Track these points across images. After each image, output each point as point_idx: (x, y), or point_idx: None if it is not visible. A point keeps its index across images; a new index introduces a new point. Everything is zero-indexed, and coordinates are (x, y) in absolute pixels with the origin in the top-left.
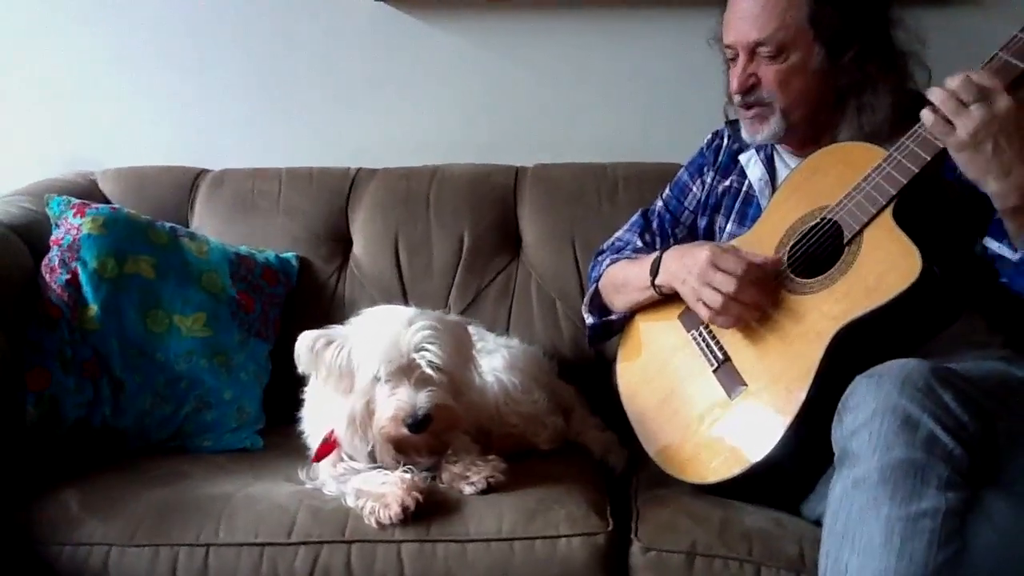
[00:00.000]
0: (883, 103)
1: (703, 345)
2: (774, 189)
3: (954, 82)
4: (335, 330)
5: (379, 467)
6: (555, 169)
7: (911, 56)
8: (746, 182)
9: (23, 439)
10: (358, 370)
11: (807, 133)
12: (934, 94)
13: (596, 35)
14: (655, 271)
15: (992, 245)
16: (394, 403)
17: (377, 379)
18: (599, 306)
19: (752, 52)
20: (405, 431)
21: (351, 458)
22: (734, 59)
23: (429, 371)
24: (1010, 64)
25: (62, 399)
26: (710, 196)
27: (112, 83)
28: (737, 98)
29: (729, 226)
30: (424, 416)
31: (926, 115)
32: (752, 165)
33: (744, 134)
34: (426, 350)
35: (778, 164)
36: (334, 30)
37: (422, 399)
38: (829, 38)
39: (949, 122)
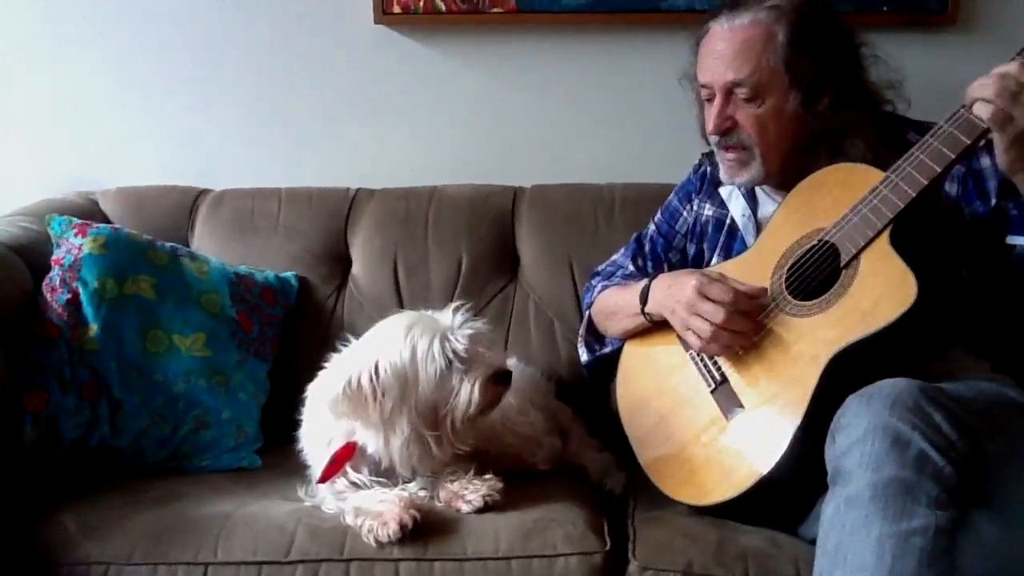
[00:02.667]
0: (859, 147)
1: (701, 366)
2: (757, 222)
3: (992, 77)
4: (348, 365)
5: (380, 483)
6: (552, 190)
7: (892, 88)
8: (728, 214)
9: (21, 460)
10: (419, 372)
11: (786, 176)
12: (983, 89)
13: (594, 57)
14: (644, 299)
15: (1019, 241)
16: (483, 370)
17: (447, 367)
18: (594, 333)
19: (729, 93)
20: (496, 393)
21: (356, 472)
22: (710, 99)
23: (484, 339)
24: None
25: (60, 420)
26: (696, 223)
27: (113, 103)
28: (715, 139)
29: (715, 259)
30: (507, 369)
31: (983, 108)
32: (734, 199)
33: (723, 175)
34: (470, 326)
35: (760, 196)
36: (335, 52)
37: (497, 357)
38: (805, 84)
39: (1007, 115)
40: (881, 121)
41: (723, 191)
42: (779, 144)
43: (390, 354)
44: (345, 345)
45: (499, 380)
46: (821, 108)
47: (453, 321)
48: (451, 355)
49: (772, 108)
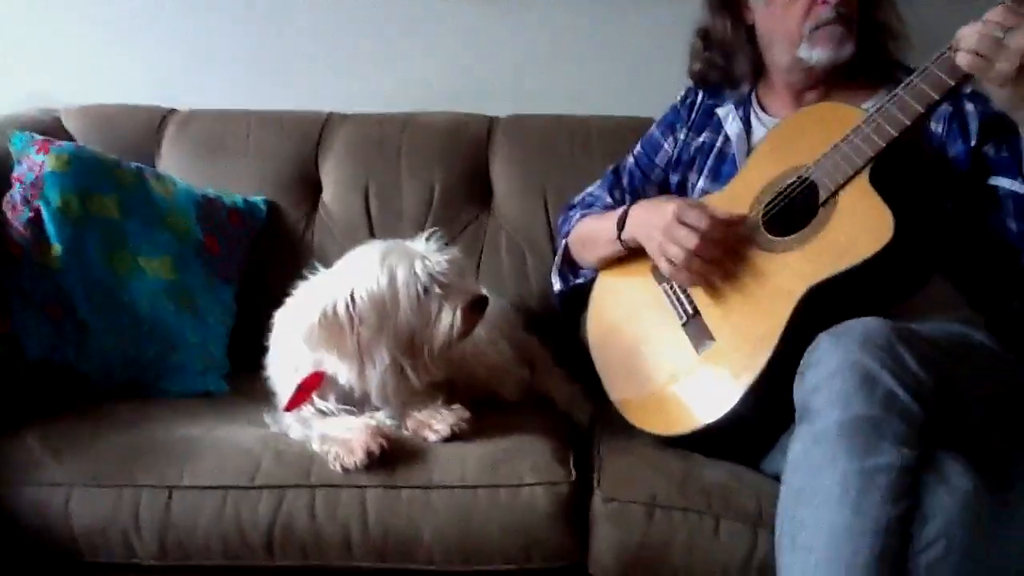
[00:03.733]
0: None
1: (673, 298)
2: (749, 147)
3: (977, 25)
4: (320, 295)
5: (347, 411)
6: (529, 120)
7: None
8: (720, 137)
9: None
10: (399, 299)
11: (834, 78)
12: (965, 40)
13: None
14: (622, 225)
15: (1003, 183)
16: (461, 297)
17: (423, 295)
18: (569, 262)
19: None
20: (474, 320)
21: (323, 400)
22: None
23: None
24: (1017, 4)
25: (24, 338)
26: (683, 153)
27: (77, 19)
28: (831, 13)
29: (702, 182)
30: (484, 295)
31: (964, 57)
32: (731, 120)
33: (827, 47)
34: (445, 252)
35: (754, 123)
36: None
37: (472, 284)
38: None
39: (988, 60)
40: (878, 50)
41: (721, 111)
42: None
43: (366, 281)
44: (314, 273)
45: (476, 307)
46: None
47: (427, 247)
48: (429, 281)
49: None
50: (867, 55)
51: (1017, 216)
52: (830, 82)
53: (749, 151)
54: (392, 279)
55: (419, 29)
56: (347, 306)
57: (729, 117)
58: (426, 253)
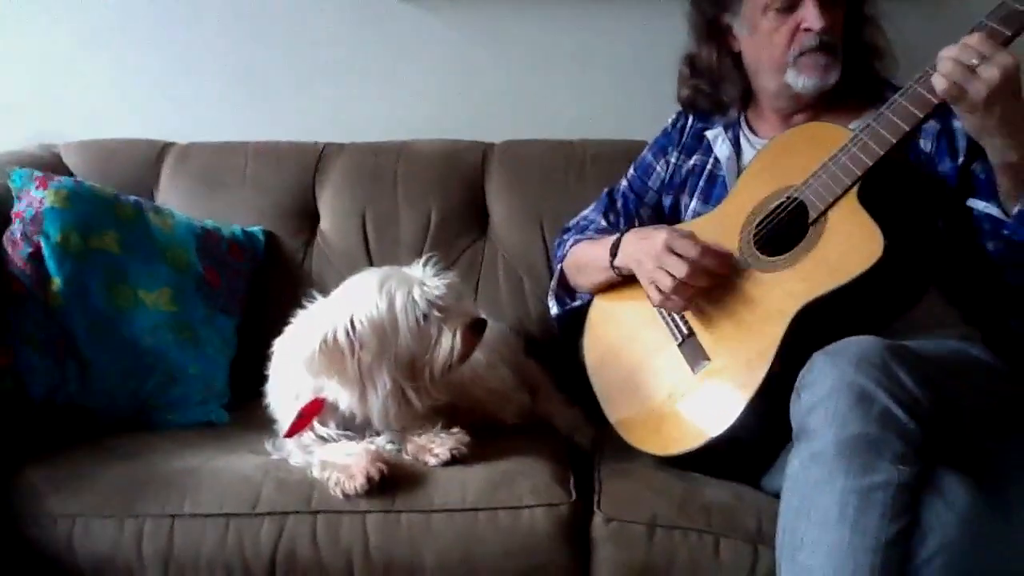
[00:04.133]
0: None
1: (669, 319)
2: (740, 168)
3: (953, 50)
4: (319, 322)
5: (347, 437)
6: (523, 146)
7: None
8: (711, 160)
9: None
10: (398, 324)
11: (821, 100)
12: (941, 65)
13: (566, 13)
14: (614, 252)
15: (978, 206)
16: (461, 320)
17: (423, 319)
18: (565, 287)
19: None
20: (474, 342)
21: (323, 426)
22: (788, 8)
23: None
24: (995, 31)
25: (27, 377)
26: (675, 176)
27: (76, 55)
28: (814, 41)
29: (694, 204)
30: (482, 318)
31: (939, 80)
32: (720, 143)
33: (807, 82)
34: (443, 276)
35: (744, 145)
36: (304, 6)
37: (470, 306)
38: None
39: (960, 86)
40: (867, 70)
41: (710, 134)
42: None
43: (366, 307)
44: (312, 301)
45: (475, 329)
46: (851, 27)
47: (425, 273)
48: (428, 305)
49: (840, 14)
50: (854, 76)
51: (993, 237)
52: (818, 105)
53: (739, 173)
54: (391, 304)
55: (413, 57)
56: (347, 332)
57: (719, 140)
58: (424, 278)
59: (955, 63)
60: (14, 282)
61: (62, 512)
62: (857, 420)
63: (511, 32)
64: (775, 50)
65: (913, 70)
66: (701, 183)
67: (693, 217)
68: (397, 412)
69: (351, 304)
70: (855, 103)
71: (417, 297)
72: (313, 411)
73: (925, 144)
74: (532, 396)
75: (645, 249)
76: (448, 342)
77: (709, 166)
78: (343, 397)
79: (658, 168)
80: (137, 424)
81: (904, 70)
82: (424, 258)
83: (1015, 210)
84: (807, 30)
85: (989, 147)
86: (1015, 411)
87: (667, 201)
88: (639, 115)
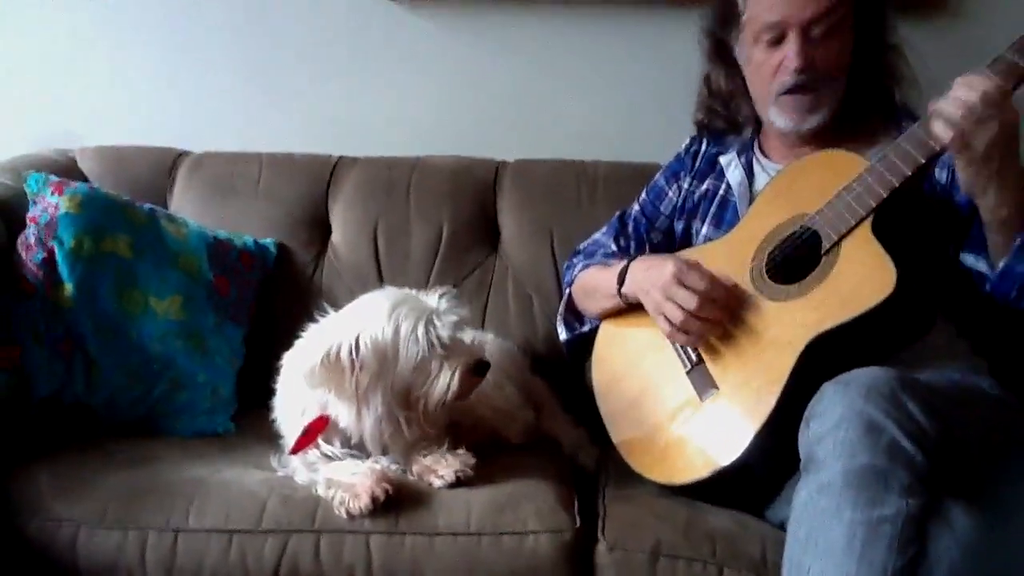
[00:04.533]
0: (865, 108)
1: (677, 346)
2: (752, 194)
3: (965, 96)
4: (328, 336)
5: (352, 455)
6: (536, 165)
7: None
8: (723, 185)
9: None
10: (399, 353)
11: (833, 129)
12: (948, 109)
13: (581, 32)
14: (622, 280)
15: (968, 260)
16: (461, 360)
17: (426, 352)
18: (573, 311)
19: (806, 31)
20: (472, 383)
21: (329, 444)
22: (777, 40)
23: (466, 328)
24: (1017, 66)
25: (33, 375)
26: (687, 201)
27: (94, 60)
28: (786, 81)
29: (705, 229)
30: (486, 359)
31: (941, 129)
32: (732, 168)
33: (787, 123)
34: (454, 310)
35: (757, 171)
36: (320, 16)
37: (477, 348)
38: (863, 28)
39: (966, 138)
40: (886, 97)
41: (723, 159)
42: (839, 87)
43: (373, 329)
44: (323, 316)
45: (477, 371)
46: (865, 56)
47: (439, 305)
48: (434, 340)
49: (839, 47)
50: (871, 102)
51: (981, 287)
52: (826, 135)
53: (752, 198)
54: (397, 331)
55: (428, 72)
56: (351, 350)
57: (731, 165)
58: (437, 310)
59: (965, 111)
60: (26, 285)
61: (66, 516)
62: (866, 451)
63: (527, 50)
64: (761, 84)
65: (932, 96)
66: (713, 208)
67: (704, 242)
68: (390, 435)
69: (360, 323)
70: (871, 130)
71: (422, 330)
72: (318, 428)
73: (940, 174)
74: (537, 414)
75: (652, 279)
76: (445, 380)
77: (721, 191)
78: (342, 414)
79: (670, 193)
80: (142, 429)
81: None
82: (442, 289)
83: (999, 265)
84: (788, 67)
85: (982, 203)
86: (1020, 442)
87: (679, 226)
88: (653, 137)
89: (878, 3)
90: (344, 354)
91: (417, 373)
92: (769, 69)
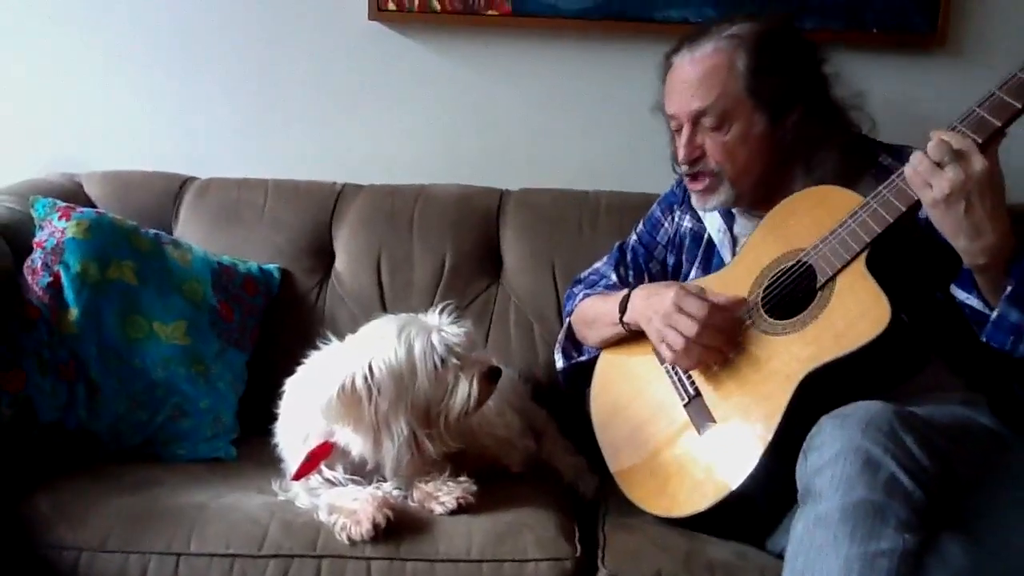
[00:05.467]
0: (831, 158)
1: (675, 379)
2: (733, 237)
3: (931, 144)
4: (335, 369)
5: (354, 481)
6: (538, 194)
7: (854, 108)
8: (707, 231)
9: None
10: (416, 371)
11: (757, 196)
12: (915, 155)
13: (587, 64)
14: (623, 308)
15: (960, 295)
16: (477, 367)
17: (441, 366)
18: (573, 341)
19: (695, 122)
20: (490, 390)
21: (331, 470)
22: (678, 129)
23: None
24: (986, 121)
25: (37, 400)
26: (676, 234)
27: (101, 85)
28: (684, 168)
29: (694, 273)
30: (497, 367)
31: (909, 172)
32: (708, 215)
33: (694, 202)
34: (459, 326)
35: (735, 211)
36: (327, 45)
37: (485, 355)
38: (770, 105)
39: (925, 182)
40: (850, 139)
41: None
42: (749, 167)
43: (384, 353)
44: (326, 343)
45: (491, 377)
46: (789, 126)
47: (441, 320)
48: (446, 352)
49: (739, 133)
50: (831, 148)
51: (975, 323)
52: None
53: (733, 241)
54: (410, 350)
55: (432, 101)
56: (365, 378)
57: (708, 213)
58: (441, 325)
59: (923, 157)
60: (31, 310)
61: (69, 542)
62: (863, 485)
63: (531, 80)
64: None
65: (925, 128)
66: (699, 252)
67: (697, 278)
68: (410, 460)
69: (369, 350)
70: (845, 172)
71: (436, 343)
72: (322, 454)
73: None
74: (538, 442)
75: (654, 306)
76: (465, 389)
77: (706, 236)
78: (356, 443)
79: (666, 224)
80: (145, 455)
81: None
82: (440, 305)
83: (993, 315)
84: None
85: (957, 248)
86: (1017, 477)
87: (671, 260)
88: (654, 168)
89: (779, 73)
90: (360, 383)
91: (436, 388)
92: (676, 153)
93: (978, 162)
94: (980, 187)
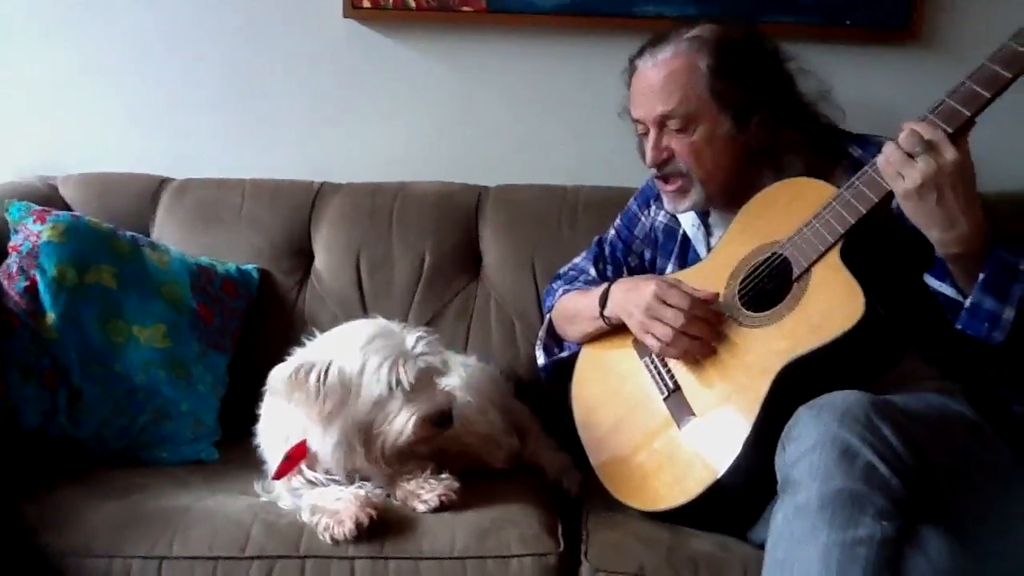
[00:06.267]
0: (800, 157)
1: (655, 373)
2: (708, 233)
3: (902, 135)
4: (309, 355)
5: (336, 481)
6: (517, 191)
7: (822, 100)
8: (682, 226)
9: None
10: (362, 388)
11: (728, 197)
12: (887, 146)
13: (564, 60)
14: (603, 302)
15: (933, 283)
16: (421, 407)
17: (389, 391)
18: (553, 336)
19: (661, 125)
20: (430, 432)
21: (312, 471)
22: (645, 133)
23: (438, 376)
24: (957, 111)
25: (20, 407)
26: (652, 229)
27: (76, 88)
28: (654, 171)
29: (670, 268)
30: (450, 411)
31: (881, 162)
32: (684, 215)
33: (666, 205)
34: (428, 354)
35: (711, 210)
36: (304, 45)
37: (444, 397)
38: (734, 107)
39: (897, 173)
40: (819, 134)
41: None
42: (716, 168)
43: (344, 360)
44: (310, 339)
45: (439, 421)
46: (753, 127)
47: (414, 347)
48: (395, 382)
49: (705, 134)
50: (801, 143)
51: (949, 312)
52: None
53: (708, 235)
54: (363, 367)
55: (412, 98)
56: (319, 376)
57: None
58: (409, 351)
59: (895, 148)
60: (8, 315)
61: (54, 549)
62: (841, 475)
63: (509, 77)
64: None
65: (899, 122)
66: (675, 247)
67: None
68: (346, 464)
69: (336, 351)
70: (819, 165)
71: (386, 369)
72: (300, 454)
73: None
74: (521, 439)
75: (635, 300)
76: (401, 423)
77: (681, 231)
78: (312, 435)
79: (643, 218)
80: (127, 459)
81: (894, 124)
82: (420, 332)
83: (967, 303)
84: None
85: (930, 238)
86: (993, 466)
87: (647, 254)
88: (633, 162)
89: (742, 73)
90: (312, 379)
91: (375, 411)
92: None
93: (949, 152)
94: (952, 177)
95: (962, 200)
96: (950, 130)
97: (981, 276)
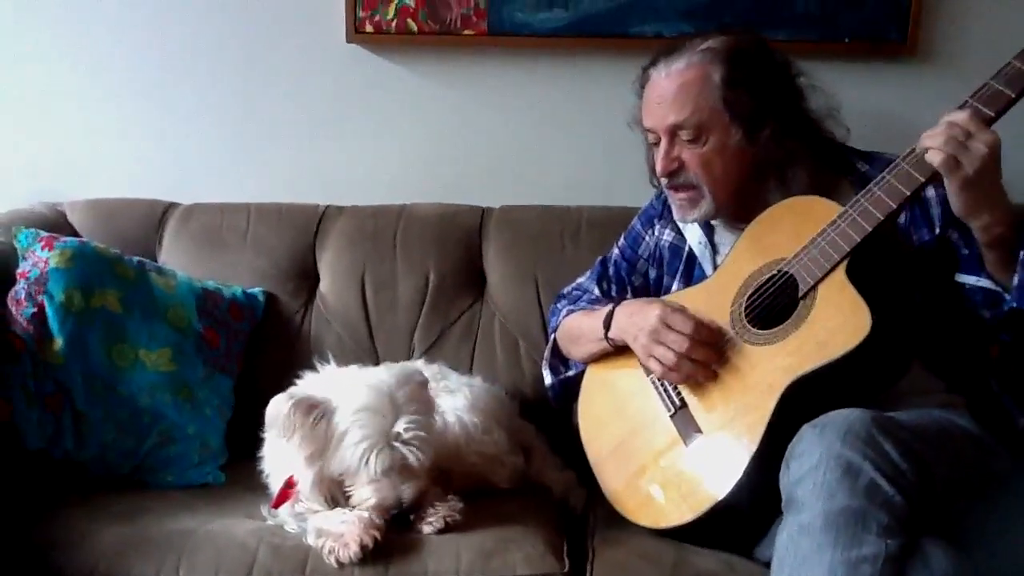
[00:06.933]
0: (805, 172)
1: (661, 391)
2: (714, 248)
3: (942, 127)
4: (310, 394)
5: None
6: (520, 211)
7: (829, 117)
8: (687, 242)
9: None
10: (342, 449)
11: (736, 209)
12: (933, 138)
13: (564, 81)
14: (607, 324)
15: (969, 280)
16: (379, 493)
17: (359, 465)
18: (559, 356)
19: (672, 135)
20: (386, 515)
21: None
22: (656, 143)
23: (415, 465)
24: (980, 111)
25: (24, 430)
26: (656, 247)
27: (83, 114)
28: (664, 180)
29: (675, 286)
30: (407, 506)
31: (934, 155)
32: (689, 228)
33: (676, 215)
34: (413, 446)
35: (716, 224)
36: (306, 69)
37: (407, 493)
38: (745, 118)
39: (956, 161)
40: (826, 150)
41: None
42: (726, 179)
43: (337, 416)
44: (324, 366)
45: (393, 513)
46: (763, 140)
47: (400, 434)
48: (366, 462)
49: (716, 145)
50: (809, 158)
51: (989, 307)
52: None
53: (714, 252)
54: (344, 434)
55: (413, 121)
56: (315, 418)
57: (688, 225)
58: (395, 434)
59: (947, 137)
60: (16, 340)
61: (61, 572)
62: (844, 492)
63: (511, 98)
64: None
65: (898, 136)
66: (680, 265)
67: (680, 290)
68: (322, 502)
69: (339, 399)
70: (826, 182)
71: (362, 449)
72: (294, 484)
73: (899, 216)
74: (526, 458)
75: (639, 324)
76: (359, 500)
77: (687, 248)
78: (295, 466)
79: (647, 237)
80: (132, 482)
81: (893, 138)
82: (407, 420)
83: (1016, 280)
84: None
85: (976, 224)
86: (997, 481)
87: (652, 273)
88: (636, 182)
89: (754, 85)
90: (299, 419)
91: (346, 475)
92: (654, 166)
93: (991, 134)
94: (999, 159)
95: (999, 179)
96: (992, 113)
97: (1023, 253)
